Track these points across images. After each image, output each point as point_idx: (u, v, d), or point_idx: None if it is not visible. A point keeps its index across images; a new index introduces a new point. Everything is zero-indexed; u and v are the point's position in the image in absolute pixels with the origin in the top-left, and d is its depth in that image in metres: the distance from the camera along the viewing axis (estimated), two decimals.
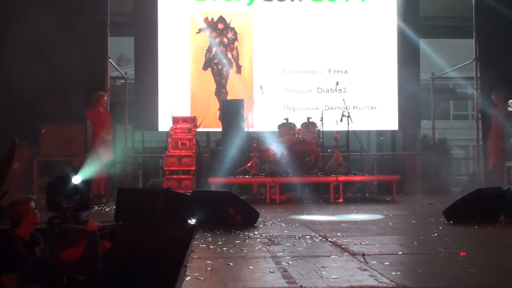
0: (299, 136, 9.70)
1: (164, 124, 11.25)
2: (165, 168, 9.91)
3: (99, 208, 8.29)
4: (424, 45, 12.50)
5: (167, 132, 10.49)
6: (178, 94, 11.60)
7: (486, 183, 10.01)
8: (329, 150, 10.52)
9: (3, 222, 5.86)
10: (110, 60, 10.86)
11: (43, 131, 8.84)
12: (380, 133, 13.38)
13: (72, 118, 9.11)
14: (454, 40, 15.43)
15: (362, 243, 4.64)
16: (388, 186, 9.91)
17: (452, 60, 12.90)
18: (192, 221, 6.14)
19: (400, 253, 4.22)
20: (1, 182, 4.40)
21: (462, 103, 26.07)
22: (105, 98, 9.84)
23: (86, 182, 6.36)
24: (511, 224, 5.86)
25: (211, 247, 4.49)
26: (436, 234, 5.13)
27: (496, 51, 11.21)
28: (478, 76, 11.37)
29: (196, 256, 4.13)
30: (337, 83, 10.70)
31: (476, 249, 4.50)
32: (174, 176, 9.80)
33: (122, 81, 13.16)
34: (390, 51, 12.02)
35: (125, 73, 12.29)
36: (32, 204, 5.04)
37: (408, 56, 12.04)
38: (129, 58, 17.20)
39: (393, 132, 13.22)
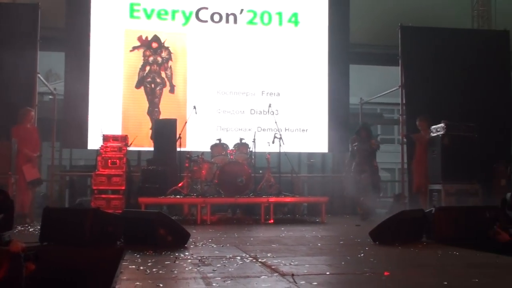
0: (231, 157, 9.74)
1: (94, 142, 11.04)
2: (94, 187, 9.66)
3: (23, 228, 7.97)
4: (353, 70, 12.93)
5: (97, 151, 10.28)
6: (110, 112, 11.42)
7: (410, 205, 10.40)
8: (260, 171, 10.62)
9: None
10: (39, 75, 10.57)
11: None
12: (310, 155, 13.65)
13: None
14: (383, 67, 16.02)
15: (292, 263, 4.70)
16: (318, 207, 10.08)
17: (382, 86, 13.36)
18: (121, 242, 6.04)
19: (328, 273, 4.31)
20: None
21: (389, 127, 26.92)
22: (33, 114, 9.57)
23: (10, 201, 6.13)
24: (432, 244, 6.10)
25: (141, 268, 4.42)
26: (362, 255, 5.27)
27: (420, 79, 11.73)
28: (404, 102, 11.82)
29: (125, 277, 4.05)
30: (269, 105, 10.92)
31: (399, 268, 4.66)
32: (103, 196, 9.58)
33: (51, 97, 12.81)
34: (321, 75, 12.37)
35: (54, 88, 11.97)
36: None
37: (338, 81, 12.42)
38: (58, 73, 16.74)
39: (323, 154, 13.51)
